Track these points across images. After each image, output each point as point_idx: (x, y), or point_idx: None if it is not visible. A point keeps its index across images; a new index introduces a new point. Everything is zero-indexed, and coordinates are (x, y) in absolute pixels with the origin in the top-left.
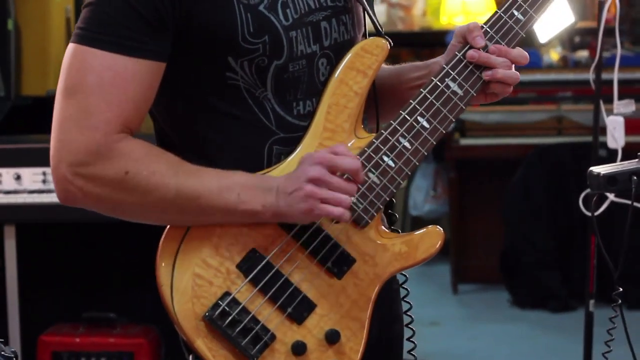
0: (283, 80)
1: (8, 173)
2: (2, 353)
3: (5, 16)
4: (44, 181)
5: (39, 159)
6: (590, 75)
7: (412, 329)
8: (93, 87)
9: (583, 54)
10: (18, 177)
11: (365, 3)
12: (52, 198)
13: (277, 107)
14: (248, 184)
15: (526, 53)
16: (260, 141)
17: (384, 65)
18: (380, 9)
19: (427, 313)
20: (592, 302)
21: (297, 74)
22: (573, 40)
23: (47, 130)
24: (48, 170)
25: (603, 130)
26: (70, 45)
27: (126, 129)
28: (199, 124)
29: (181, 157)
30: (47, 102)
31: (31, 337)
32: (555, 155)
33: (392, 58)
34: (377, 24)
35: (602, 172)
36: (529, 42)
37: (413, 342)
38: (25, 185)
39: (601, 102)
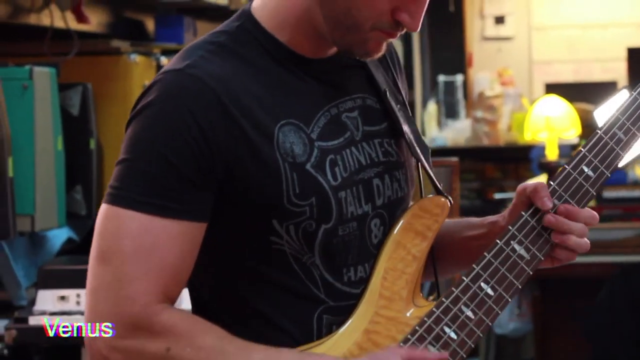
0: (332, 245)
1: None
2: None
3: (87, 136)
4: None
5: None
6: None
7: None
8: (129, 253)
9: None
10: None
11: (422, 158)
12: None
13: (326, 274)
14: None
15: (596, 214)
16: (309, 310)
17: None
18: (465, 124)
19: None
20: None
21: (347, 238)
22: None
23: None
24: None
25: None
26: (103, 206)
27: (166, 298)
28: (240, 290)
29: (221, 325)
30: None
31: None
32: None
33: (477, 173)
34: (435, 180)
35: None
36: None
37: None
38: None
39: None
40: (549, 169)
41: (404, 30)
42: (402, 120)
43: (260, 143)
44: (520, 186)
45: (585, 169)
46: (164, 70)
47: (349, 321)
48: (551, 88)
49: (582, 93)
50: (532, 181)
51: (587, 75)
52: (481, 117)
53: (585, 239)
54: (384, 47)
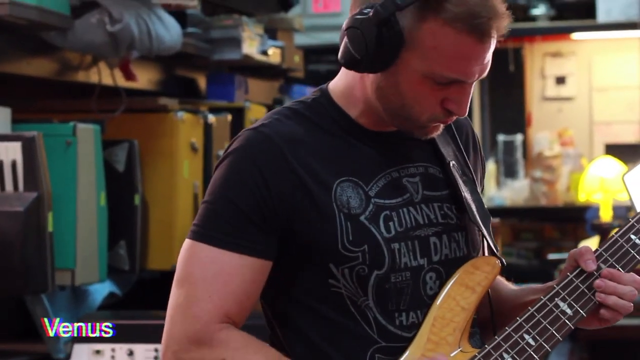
0: (384, 289)
1: (121, 349)
2: None
3: (132, 192)
4: (156, 358)
5: (153, 335)
6: None
7: None
8: (198, 279)
9: None
10: (131, 353)
11: (480, 223)
12: None
13: (379, 317)
14: None
15: (639, 278)
16: (363, 349)
17: (509, 286)
18: (523, 184)
19: None
20: None
21: (399, 285)
22: None
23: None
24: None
25: None
26: (186, 241)
27: (228, 320)
28: (303, 325)
29: (285, 355)
30: (172, 276)
31: None
32: None
33: (535, 232)
34: (492, 243)
35: None
36: None
37: None
38: None
39: None
40: (602, 230)
41: (456, 116)
42: (464, 189)
43: (318, 194)
44: (572, 251)
45: (633, 237)
46: (245, 129)
47: None
48: (611, 149)
49: None
50: (584, 242)
51: None
52: (539, 177)
53: (628, 303)
54: (441, 127)
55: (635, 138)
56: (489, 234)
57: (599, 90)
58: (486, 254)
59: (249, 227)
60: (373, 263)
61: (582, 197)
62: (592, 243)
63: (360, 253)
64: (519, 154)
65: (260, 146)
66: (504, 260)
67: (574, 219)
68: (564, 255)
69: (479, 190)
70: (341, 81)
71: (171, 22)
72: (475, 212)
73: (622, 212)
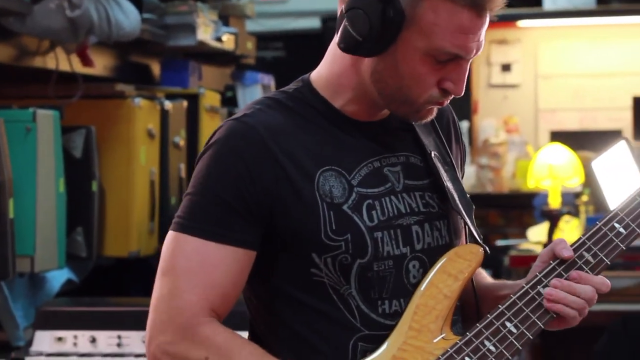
0: (367, 278)
1: (84, 336)
2: None
3: (90, 178)
4: (118, 344)
5: (115, 322)
6: None
7: None
8: (182, 270)
9: None
10: (93, 340)
11: (463, 211)
12: None
13: (362, 305)
14: None
15: (608, 282)
16: (345, 337)
17: (486, 278)
18: (469, 171)
19: None
20: None
21: (382, 274)
22: None
23: (127, 292)
24: (123, 333)
25: None
26: (169, 233)
27: (213, 313)
28: (285, 316)
29: (267, 348)
30: (129, 263)
31: None
32: None
33: (480, 219)
34: (475, 231)
35: None
36: None
37: None
38: (100, 348)
39: None
40: (551, 216)
41: (452, 96)
42: (445, 178)
43: (301, 184)
44: (543, 250)
45: (617, 226)
46: (227, 119)
47: (380, 349)
48: (556, 136)
49: (587, 141)
50: (533, 229)
51: (592, 124)
52: (485, 164)
53: (573, 311)
54: (435, 110)
55: (579, 125)
56: (472, 222)
57: (544, 78)
58: (468, 241)
59: (233, 218)
60: (356, 252)
61: (531, 183)
62: (541, 229)
63: (343, 242)
64: (465, 141)
65: (244, 137)
66: (487, 248)
67: (519, 206)
68: (511, 242)
69: (459, 177)
70: (325, 70)
71: (130, 8)
72: (458, 202)
73: (571, 198)
